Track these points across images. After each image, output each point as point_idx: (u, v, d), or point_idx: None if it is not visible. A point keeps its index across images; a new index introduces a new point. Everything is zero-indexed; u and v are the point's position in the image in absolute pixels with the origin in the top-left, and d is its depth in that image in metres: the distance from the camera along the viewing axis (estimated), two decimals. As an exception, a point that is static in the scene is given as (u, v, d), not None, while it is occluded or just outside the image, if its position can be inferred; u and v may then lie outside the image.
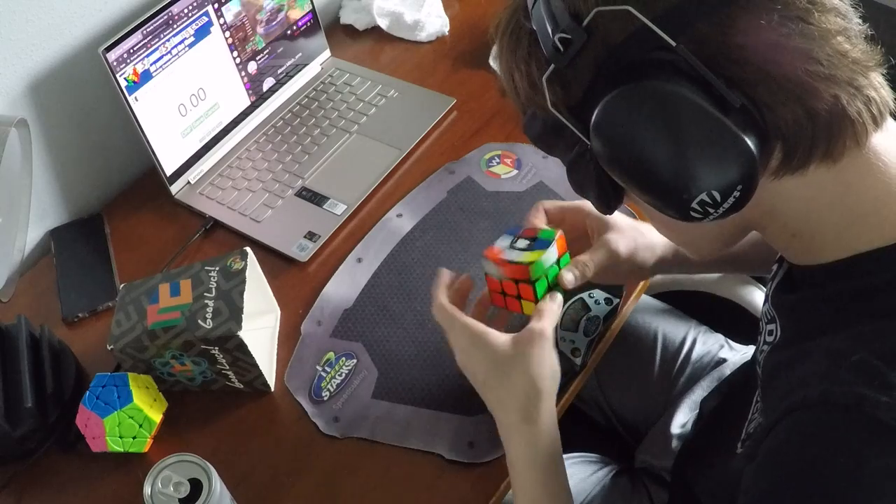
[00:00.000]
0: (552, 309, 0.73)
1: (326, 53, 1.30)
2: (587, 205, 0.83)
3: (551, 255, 0.75)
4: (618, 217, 0.81)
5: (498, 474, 0.82)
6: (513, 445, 0.73)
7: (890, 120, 0.55)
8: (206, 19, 1.09)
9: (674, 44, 0.50)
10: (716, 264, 0.92)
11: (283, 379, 0.91)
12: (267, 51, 1.20)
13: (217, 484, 0.73)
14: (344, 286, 0.99)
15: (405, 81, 1.25)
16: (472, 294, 0.82)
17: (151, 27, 1.02)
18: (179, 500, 0.72)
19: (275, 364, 0.92)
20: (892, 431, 0.47)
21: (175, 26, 1.05)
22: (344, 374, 0.90)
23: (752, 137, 0.51)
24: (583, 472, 1.01)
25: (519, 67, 0.59)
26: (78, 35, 1.04)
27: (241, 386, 0.89)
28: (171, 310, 0.85)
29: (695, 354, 1.05)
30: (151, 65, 1.04)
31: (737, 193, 0.52)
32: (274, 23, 1.19)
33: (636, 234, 0.82)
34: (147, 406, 0.84)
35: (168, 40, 1.05)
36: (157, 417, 0.85)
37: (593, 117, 0.54)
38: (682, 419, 0.99)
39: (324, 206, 1.08)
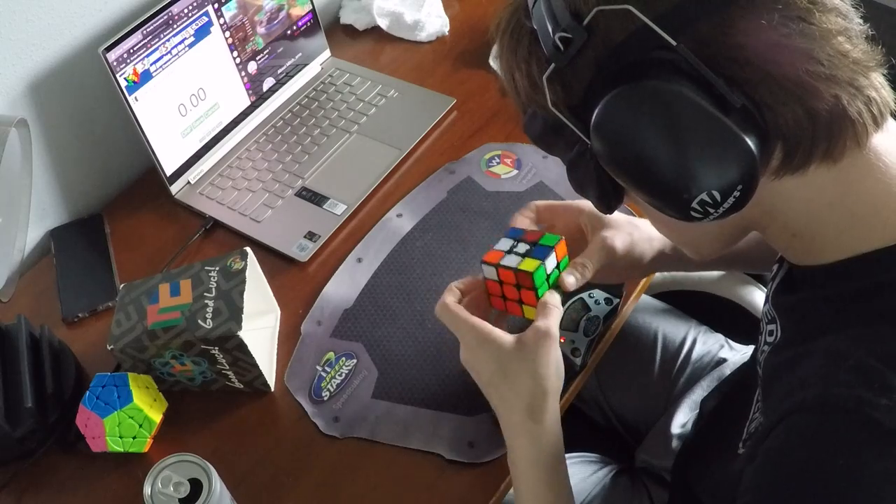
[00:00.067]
0: (555, 306, 0.73)
1: (326, 53, 1.30)
2: (582, 203, 0.83)
3: (552, 260, 0.75)
4: (613, 214, 0.82)
5: (498, 474, 0.82)
6: (517, 445, 0.73)
7: (891, 120, 0.55)
8: (206, 19, 1.09)
9: (674, 43, 0.50)
10: (716, 262, 0.92)
11: (283, 379, 0.91)
12: (267, 51, 1.20)
13: (217, 484, 0.73)
14: (344, 286, 0.99)
15: (405, 81, 1.25)
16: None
17: (151, 27, 1.02)
18: (179, 500, 0.72)
19: (275, 364, 0.92)
20: (891, 434, 0.47)
21: (175, 26, 1.05)
22: (344, 374, 0.90)
23: (753, 137, 0.51)
24: (583, 472, 1.01)
25: (519, 66, 0.59)
26: (78, 35, 1.04)
27: (241, 386, 0.89)
28: (171, 310, 0.85)
29: (695, 354, 1.05)
30: (151, 65, 1.04)
31: (737, 193, 0.52)
32: (274, 23, 1.19)
33: (632, 228, 0.82)
34: (147, 406, 0.84)
35: (168, 40, 1.05)
36: (157, 417, 0.85)
37: (593, 116, 0.54)
38: (683, 419, 0.99)
39: (324, 206, 1.08)
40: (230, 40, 1.14)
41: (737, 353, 1.04)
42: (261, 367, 0.86)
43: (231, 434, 0.87)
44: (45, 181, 1.08)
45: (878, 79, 0.53)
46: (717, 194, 0.52)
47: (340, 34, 1.36)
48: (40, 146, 1.05)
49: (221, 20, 1.11)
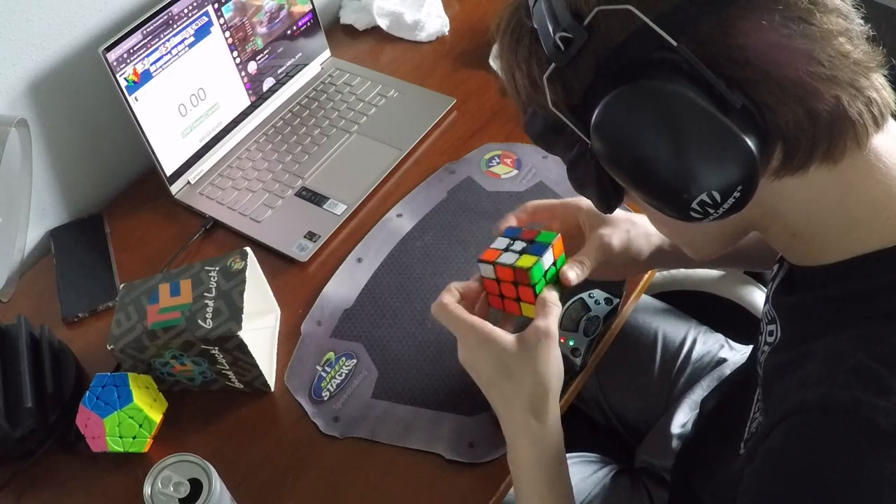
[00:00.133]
0: (554, 304, 0.73)
1: (326, 53, 1.30)
2: (580, 200, 0.83)
3: (549, 257, 0.75)
4: None
5: (498, 474, 0.82)
6: (518, 444, 0.73)
7: (891, 121, 0.55)
8: (206, 19, 1.09)
9: (675, 43, 0.50)
10: (716, 260, 0.92)
11: (283, 379, 0.91)
12: (267, 51, 1.20)
13: (217, 484, 0.73)
14: (344, 286, 0.99)
15: (405, 81, 1.25)
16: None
17: (151, 27, 1.02)
18: (179, 500, 0.72)
19: (275, 364, 0.92)
20: (890, 436, 0.47)
21: (175, 26, 1.05)
22: (344, 374, 0.90)
23: (753, 138, 0.51)
24: (583, 472, 1.01)
25: (520, 66, 0.59)
26: (78, 35, 1.04)
27: (241, 386, 0.89)
28: (171, 310, 0.85)
29: (695, 354, 1.05)
30: (151, 65, 1.04)
31: (737, 194, 0.52)
32: (274, 22, 1.19)
33: (629, 225, 0.82)
34: (147, 406, 0.84)
35: (168, 40, 1.05)
36: (157, 417, 0.85)
37: (594, 116, 0.54)
38: (683, 419, 0.99)
39: (324, 206, 1.08)
40: (230, 40, 1.14)
41: (737, 353, 1.04)
42: (261, 367, 0.86)
43: (231, 434, 0.87)
44: (45, 181, 1.08)
45: (878, 79, 0.53)
46: (716, 195, 0.52)
47: (340, 34, 1.36)
48: (40, 146, 1.05)
49: (221, 20, 1.11)
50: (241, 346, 0.82)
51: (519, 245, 0.77)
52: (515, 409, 0.72)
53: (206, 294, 0.85)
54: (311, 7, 1.25)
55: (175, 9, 1.05)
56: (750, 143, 0.50)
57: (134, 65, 1.01)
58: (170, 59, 1.06)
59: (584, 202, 0.83)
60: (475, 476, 0.82)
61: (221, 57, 1.13)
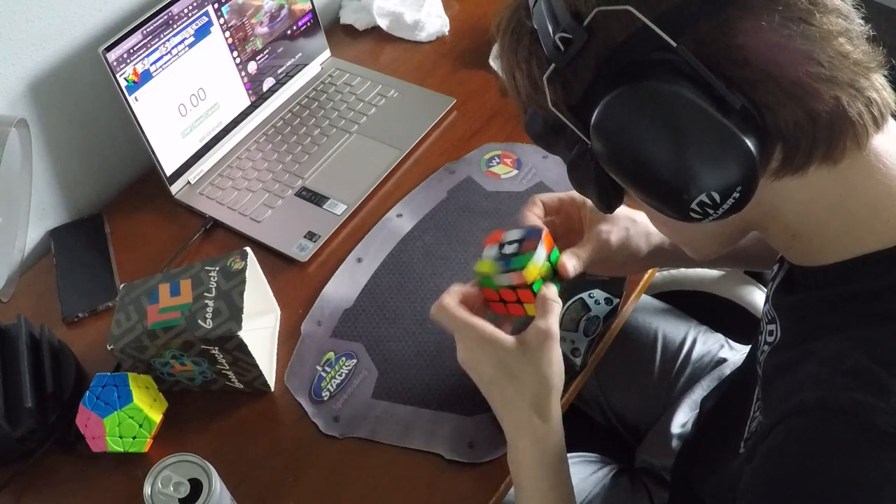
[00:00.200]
0: (554, 300, 0.73)
1: (326, 53, 1.30)
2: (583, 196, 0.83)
3: (541, 253, 0.75)
4: None
5: (498, 474, 0.82)
6: (521, 444, 0.73)
7: (891, 122, 0.55)
8: (206, 19, 1.09)
9: (674, 44, 0.50)
10: (716, 259, 0.92)
11: (283, 379, 0.91)
12: (267, 51, 1.20)
13: (217, 484, 0.73)
14: (344, 286, 0.99)
15: (405, 81, 1.25)
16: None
17: (151, 27, 1.02)
18: (179, 500, 0.72)
19: (275, 364, 0.92)
20: (889, 437, 0.47)
21: (175, 26, 1.05)
22: (344, 374, 0.90)
23: (752, 138, 0.51)
24: (583, 472, 1.01)
25: (520, 66, 0.59)
26: (78, 35, 1.04)
27: (241, 386, 0.89)
28: (171, 310, 0.85)
29: (695, 354, 1.05)
30: (151, 65, 1.04)
31: (736, 194, 0.52)
32: (274, 22, 1.19)
33: (628, 222, 0.82)
34: (147, 406, 0.84)
35: (168, 40, 1.05)
36: (157, 417, 0.85)
37: (593, 117, 0.54)
38: (683, 419, 1.00)
39: (324, 206, 1.08)
40: (230, 40, 1.14)
41: (737, 353, 1.04)
42: (261, 367, 0.86)
43: (231, 434, 0.87)
44: (45, 181, 1.08)
45: (878, 80, 0.53)
46: (716, 195, 0.52)
47: (340, 34, 1.36)
48: (40, 146, 1.05)
49: (221, 20, 1.11)
50: (241, 346, 0.82)
51: (510, 249, 0.76)
52: (518, 409, 0.72)
53: (206, 294, 0.85)
54: (311, 7, 1.25)
55: (175, 9, 1.05)
56: (749, 143, 0.50)
57: (134, 65, 1.01)
58: (170, 59, 1.06)
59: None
60: (475, 476, 0.82)
61: (221, 57, 1.13)
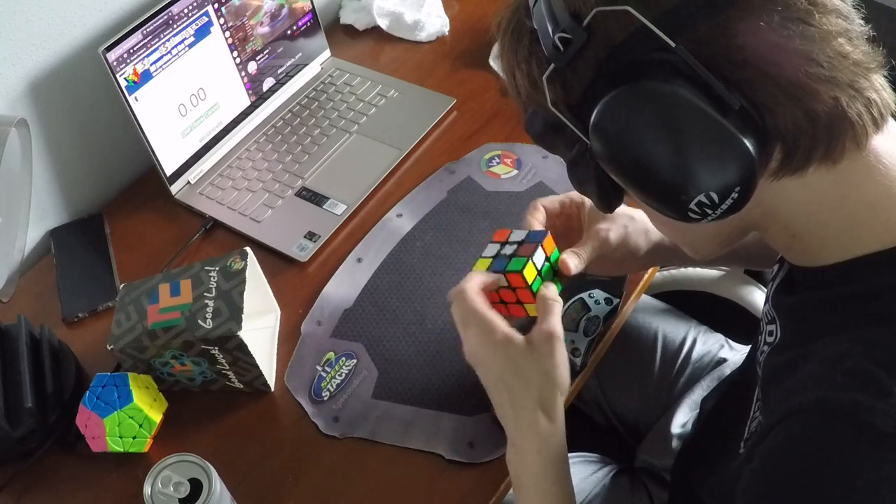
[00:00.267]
0: (555, 300, 0.73)
1: (326, 53, 1.30)
2: (582, 196, 0.83)
3: (539, 255, 0.75)
4: None
5: (498, 474, 0.82)
6: (525, 443, 0.72)
7: (891, 122, 0.55)
8: (206, 19, 1.09)
9: (673, 44, 0.50)
10: (717, 258, 0.92)
11: (283, 379, 0.91)
12: (267, 51, 1.20)
13: (217, 484, 0.73)
14: (344, 286, 0.99)
15: (405, 81, 1.25)
16: None
17: (151, 27, 1.02)
18: (179, 500, 0.72)
19: (275, 364, 0.92)
20: (888, 438, 0.47)
21: (175, 26, 1.05)
22: (344, 374, 0.90)
23: (751, 139, 0.51)
24: (583, 472, 1.01)
25: (520, 66, 0.59)
26: (78, 35, 1.04)
27: (241, 386, 0.89)
28: (171, 310, 0.85)
29: (695, 354, 1.05)
30: (151, 65, 1.04)
31: (735, 195, 0.52)
32: (274, 22, 1.19)
33: (627, 220, 0.82)
34: (147, 406, 0.84)
35: (168, 40, 1.05)
36: (157, 417, 0.85)
37: (592, 117, 0.54)
38: (683, 419, 1.00)
39: (324, 206, 1.08)
40: (230, 40, 1.14)
41: (737, 353, 1.04)
42: (261, 367, 0.86)
43: (231, 434, 0.87)
44: (45, 181, 1.08)
45: (878, 80, 0.53)
46: (714, 196, 0.52)
47: (340, 34, 1.36)
48: (40, 146, 1.05)
49: (221, 20, 1.11)
50: (241, 346, 0.82)
51: (509, 249, 0.76)
52: (524, 407, 0.72)
53: (206, 294, 0.85)
54: (311, 7, 1.25)
55: (175, 9, 1.05)
56: (748, 143, 0.50)
57: (134, 65, 1.01)
58: (170, 59, 1.06)
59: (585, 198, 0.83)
60: (475, 476, 0.82)
61: (221, 57, 1.13)
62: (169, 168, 1.09)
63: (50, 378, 0.87)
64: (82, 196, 1.14)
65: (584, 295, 0.92)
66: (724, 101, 0.50)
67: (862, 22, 0.53)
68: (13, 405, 0.83)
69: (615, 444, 1.10)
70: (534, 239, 0.76)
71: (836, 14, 0.51)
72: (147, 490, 0.72)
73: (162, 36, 1.04)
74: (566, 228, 0.84)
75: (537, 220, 0.82)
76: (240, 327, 0.81)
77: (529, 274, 0.73)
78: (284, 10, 1.21)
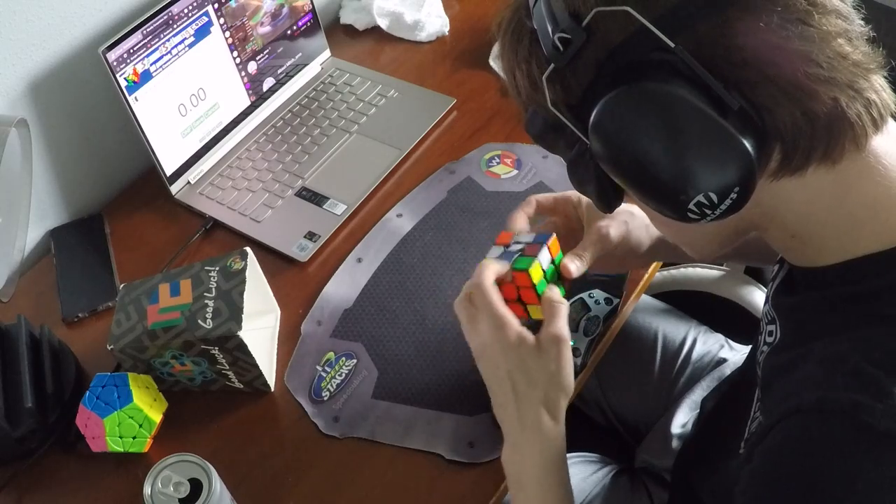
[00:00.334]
0: (561, 302, 0.73)
1: (326, 53, 1.30)
2: (579, 194, 0.83)
3: (545, 256, 0.75)
4: None
5: (498, 474, 0.81)
6: (526, 442, 0.72)
7: (891, 122, 0.55)
8: (206, 19, 1.09)
9: (672, 45, 0.50)
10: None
11: (283, 379, 0.91)
12: (267, 51, 1.20)
13: (217, 484, 0.73)
14: (344, 286, 0.99)
15: (405, 81, 1.25)
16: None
17: (151, 27, 1.02)
18: (179, 500, 0.72)
19: (275, 364, 0.92)
20: (887, 438, 0.47)
21: (175, 26, 1.05)
22: (344, 374, 0.90)
23: (750, 139, 0.51)
24: (583, 472, 1.01)
25: (520, 66, 0.59)
26: (78, 35, 1.04)
27: (241, 386, 0.89)
28: (171, 310, 0.85)
29: (695, 354, 1.05)
30: (151, 65, 1.04)
31: (734, 195, 0.52)
32: (274, 22, 1.19)
33: (626, 216, 0.82)
34: (147, 406, 0.84)
35: (168, 40, 1.05)
36: (157, 417, 0.85)
37: (592, 117, 0.54)
38: (683, 419, 1.00)
39: (324, 206, 1.08)
40: (230, 40, 1.14)
41: (737, 353, 1.04)
42: (261, 367, 0.86)
43: (231, 434, 0.87)
44: (45, 181, 1.08)
45: (878, 81, 0.53)
46: (714, 196, 0.52)
47: (340, 34, 1.36)
48: (40, 146, 1.05)
49: (221, 20, 1.11)
50: (241, 346, 0.83)
51: (515, 247, 0.76)
52: (529, 407, 0.72)
53: (206, 294, 0.85)
54: (311, 7, 1.25)
55: (175, 9, 1.05)
56: (747, 144, 0.50)
57: (134, 65, 1.01)
58: (170, 59, 1.06)
59: (582, 195, 0.83)
60: (475, 476, 0.82)
61: (221, 57, 1.13)
62: (169, 168, 1.09)
63: (50, 378, 0.87)
64: (82, 196, 1.14)
65: (584, 295, 0.92)
66: (723, 101, 0.50)
67: (862, 22, 0.53)
68: (13, 405, 0.83)
69: (615, 444, 1.10)
70: (539, 240, 0.76)
71: (835, 15, 0.51)
72: (147, 490, 0.72)
73: (162, 36, 1.04)
74: (566, 229, 0.84)
75: (524, 213, 0.82)
76: (240, 327, 0.81)
77: (536, 273, 0.73)
78: (284, 10, 1.21)
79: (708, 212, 0.53)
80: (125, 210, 1.13)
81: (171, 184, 1.10)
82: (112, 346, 0.85)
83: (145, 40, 1.02)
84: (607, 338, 0.93)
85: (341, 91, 1.24)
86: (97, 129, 1.11)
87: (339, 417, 0.87)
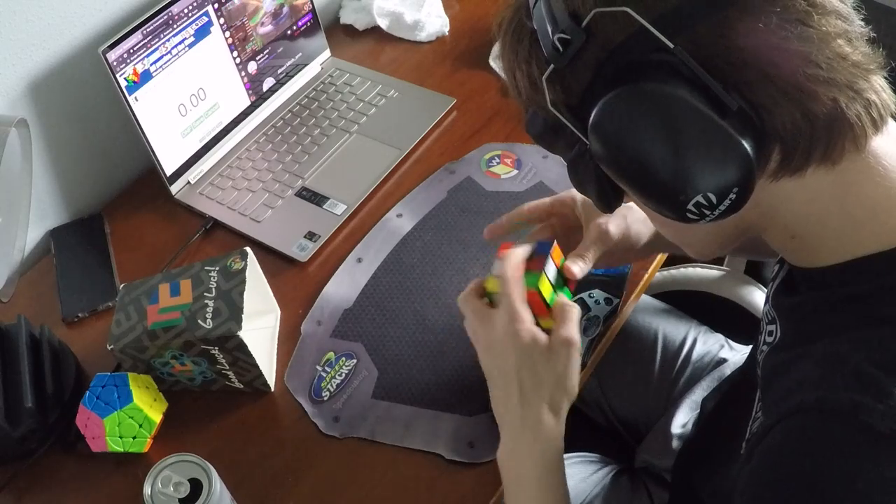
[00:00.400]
0: (572, 306, 0.73)
1: (326, 53, 1.30)
2: (574, 192, 0.84)
3: (551, 266, 0.75)
4: None
5: (498, 475, 0.81)
6: (526, 441, 0.72)
7: (891, 123, 0.55)
8: (206, 19, 1.09)
9: (671, 45, 0.50)
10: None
11: (283, 379, 0.91)
12: (267, 51, 1.20)
13: (217, 484, 0.73)
14: (344, 286, 0.99)
15: (405, 81, 1.25)
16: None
17: (151, 27, 1.02)
18: (179, 500, 0.72)
19: (275, 364, 0.92)
20: (886, 439, 0.47)
21: (175, 26, 1.05)
22: (344, 374, 0.90)
23: (749, 140, 0.51)
24: (583, 472, 1.01)
25: (520, 66, 0.59)
26: (78, 35, 1.04)
27: (241, 386, 0.89)
28: (171, 310, 0.85)
29: (695, 354, 1.05)
30: (151, 65, 1.04)
31: (733, 196, 0.52)
32: (274, 22, 1.19)
33: (626, 211, 0.82)
34: (147, 406, 0.84)
35: (168, 40, 1.05)
36: (157, 417, 0.85)
37: (591, 117, 0.54)
38: (683, 419, 1.00)
39: (324, 206, 1.08)
40: (230, 40, 1.14)
41: (737, 353, 1.04)
42: (261, 367, 0.86)
43: (231, 434, 0.87)
44: (45, 181, 1.08)
45: (878, 81, 0.53)
46: (713, 196, 0.52)
47: (340, 34, 1.36)
48: (40, 146, 1.05)
49: (221, 20, 1.11)
50: (241, 346, 0.83)
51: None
52: (533, 405, 0.72)
53: (206, 294, 0.85)
54: (311, 7, 1.25)
55: (175, 9, 1.05)
56: (746, 144, 0.50)
57: (134, 65, 1.01)
58: (170, 59, 1.06)
59: (577, 194, 0.83)
60: (475, 476, 0.82)
61: (221, 57, 1.13)
62: (169, 168, 1.09)
63: (50, 378, 0.87)
64: (82, 196, 1.14)
65: (584, 295, 0.93)
66: (722, 102, 0.50)
67: (862, 23, 0.53)
68: (13, 405, 0.83)
69: (615, 444, 1.10)
70: (542, 251, 0.76)
71: (835, 15, 0.51)
72: (147, 490, 0.72)
73: (162, 36, 1.04)
74: (565, 229, 0.84)
75: (509, 219, 0.83)
76: (240, 327, 0.81)
77: (545, 289, 0.73)
78: (284, 10, 1.21)
79: (707, 212, 0.53)
80: (125, 210, 1.13)
81: (171, 184, 1.10)
82: (112, 346, 0.85)
83: (145, 40, 1.02)
84: (607, 338, 0.93)
85: (341, 91, 1.24)
86: (97, 129, 1.11)
87: (339, 417, 0.87)
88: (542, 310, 0.74)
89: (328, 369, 0.91)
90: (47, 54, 1.01)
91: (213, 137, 1.15)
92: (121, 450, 0.83)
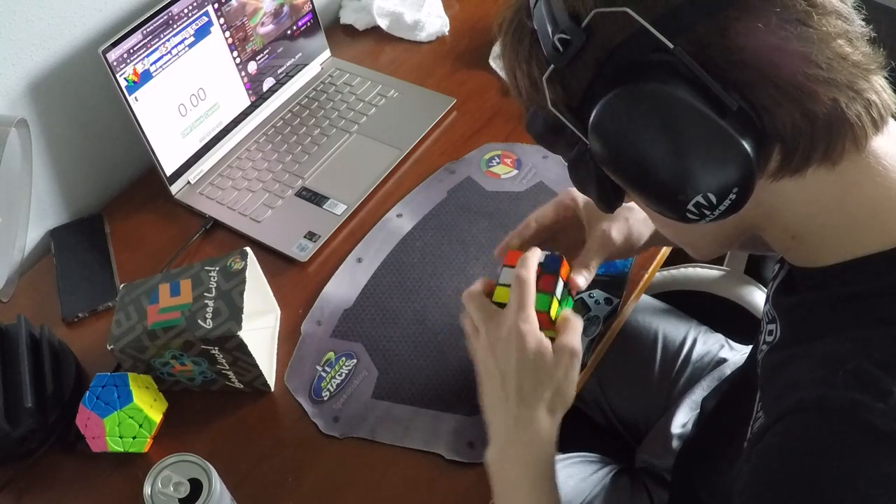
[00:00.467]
0: (576, 319, 0.74)
1: (326, 53, 1.30)
2: (573, 193, 0.84)
3: (560, 288, 0.76)
4: None
5: (498, 475, 0.82)
6: (522, 440, 0.72)
7: (892, 124, 0.55)
8: (206, 19, 1.09)
9: (671, 46, 0.50)
10: None
11: (283, 379, 0.91)
12: (267, 51, 1.20)
13: (217, 484, 0.73)
14: (344, 286, 0.99)
15: (405, 81, 1.25)
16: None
17: (151, 27, 1.02)
18: (179, 500, 0.72)
19: (275, 364, 0.93)
20: (887, 437, 0.47)
21: (175, 26, 1.05)
22: (344, 374, 0.90)
23: (749, 140, 0.51)
24: (583, 472, 1.01)
25: (521, 66, 0.59)
26: (78, 35, 1.04)
27: (241, 386, 0.89)
28: (171, 310, 0.85)
29: (695, 354, 1.05)
30: (151, 65, 1.04)
31: (733, 196, 0.52)
32: (274, 22, 1.19)
33: (627, 212, 0.82)
34: (147, 406, 0.84)
35: (168, 40, 1.05)
36: (157, 417, 0.85)
37: (591, 117, 0.54)
38: (683, 419, 1.00)
39: (324, 206, 1.08)
40: (230, 40, 1.14)
41: (737, 353, 1.04)
42: (261, 367, 0.86)
43: (231, 434, 0.87)
44: (45, 181, 1.08)
45: (878, 82, 0.53)
46: (713, 196, 0.52)
47: (340, 34, 1.36)
48: (40, 146, 1.05)
49: (221, 20, 1.11)
50: (241, 346, 0.83)
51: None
52: (530, 407, 0.72)
53: (206, 294, 0.85)
54: (311, 7, 1.25)
55: (175, 9, 1.05)
56: (746, 145, 0.50)
57: (134, 65, 1.01)
58: (170, 59, 1.06)
59: (578, 194, 0.83)
60: (475, 476, 0.82)
61: (221, 57, 1.13)
62: (169, 168, 1.09)
63: (50, 378, 0.87)
64: (82, 196, 1.14)
65: (584, 295, 0.93)
66: (722, 102, 0.50)
67: (862, 23, 0.53)
68: (13, 405, 0.83)
69: (615, 444, 1.10)
70: (552, 267, 0.76)
71: (835, 15, 0.51)
72: (147, 490, 0.72)
73: (162, 36, 1.04)
74: (566, 228, 0.84)
75: (520, 236, 0.83)
76: (240, 327, 0.81)
77: (554, 310, 0.75)
78: (284, 10, 1.21)
79: (707, 212, 0.53)
80: (125, 210, 1.13)
81: (171, 184, 1.10)
82: (112, 346, 0.85)
83: (145, 40, 1.02)
84: (607, 338, 0.93)
85: (341, 91, 1.24)
86: (97, 129, 1.11)
87: (339, 417, 0.87)
88: (547, 324, 0.75)
89: (328, 369, 0.91)
90: (47, 54, 1.01)
91: (213, 137, 1.15)
92: (121, 450, 0.83)
